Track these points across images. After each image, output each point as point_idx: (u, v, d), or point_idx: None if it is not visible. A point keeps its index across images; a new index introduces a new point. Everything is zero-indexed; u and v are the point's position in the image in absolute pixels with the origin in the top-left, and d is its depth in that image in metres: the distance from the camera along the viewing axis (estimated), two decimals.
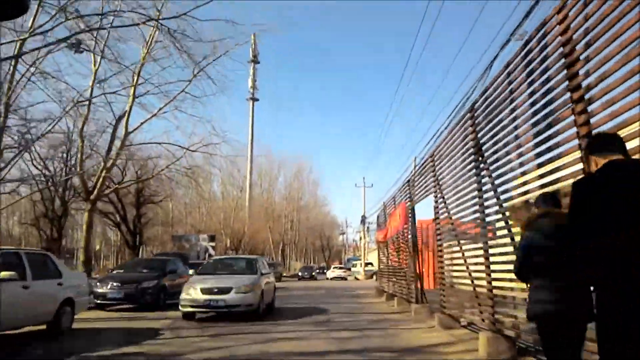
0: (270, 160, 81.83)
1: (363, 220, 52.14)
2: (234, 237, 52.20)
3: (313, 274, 47.48)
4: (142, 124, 25.95)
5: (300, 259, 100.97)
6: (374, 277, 47.29)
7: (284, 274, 61.44)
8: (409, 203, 14.23)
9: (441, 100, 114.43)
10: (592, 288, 3.23)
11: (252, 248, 57.50)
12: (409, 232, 14.05)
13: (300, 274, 48.09)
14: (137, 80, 22.47)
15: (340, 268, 55.23)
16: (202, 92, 29.37)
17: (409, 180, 14.84)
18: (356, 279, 53.24)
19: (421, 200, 13.43)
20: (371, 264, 56.18)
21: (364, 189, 52.11)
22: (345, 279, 50.88)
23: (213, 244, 45.64)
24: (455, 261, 10.53)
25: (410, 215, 13.98)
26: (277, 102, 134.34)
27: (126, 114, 24.28)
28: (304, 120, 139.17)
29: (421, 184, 13.19)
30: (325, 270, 63.77)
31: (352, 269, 58.40)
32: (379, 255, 25.27)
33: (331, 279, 49.14)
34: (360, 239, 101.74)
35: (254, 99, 76.64)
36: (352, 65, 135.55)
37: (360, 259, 62.71)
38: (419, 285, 13.76)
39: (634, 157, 3.54)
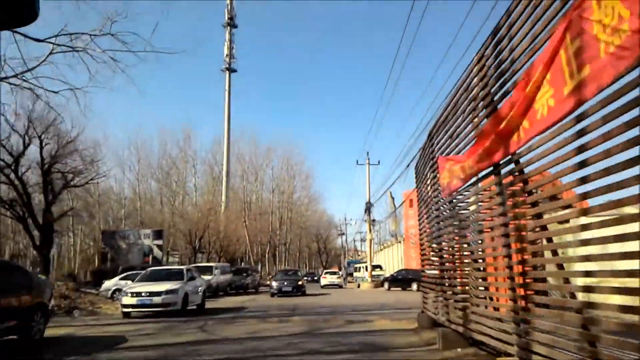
0: (255, 148, 69.00)
1: (368, 208, 39.43)
2: (210, 237, 39.54)
3: (300, 283, 26.31)
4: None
5: (294, 264, 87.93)
6: (385, 285, 34.56)
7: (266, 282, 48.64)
8: None
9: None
10: None
11: (226, 251, 44.84)
12: None
13: (275, 285, 26.12)
14: None
15: (333, 273, 44.66)
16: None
17: None
18: (359, 287, 40.55)
19: None
20: (379, 267, 43.30)
21: (367, 168, 39.52)
22: (341, 287, 41.77)
23: (160, 241, 32.94)
24: None
25: None
26: (262, 81, 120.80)
27: None
28: (293, 104, 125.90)
29: None
30: (315, 277, 51.37)
31: (355, 274, 45.54)
32: (421, 242, 12.64)
33: (323, 286, 40.49)
34: (364, 241, 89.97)
35: (231, 70, 63.73)
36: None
37: (364, 261, 49.89)
38: None
39: None
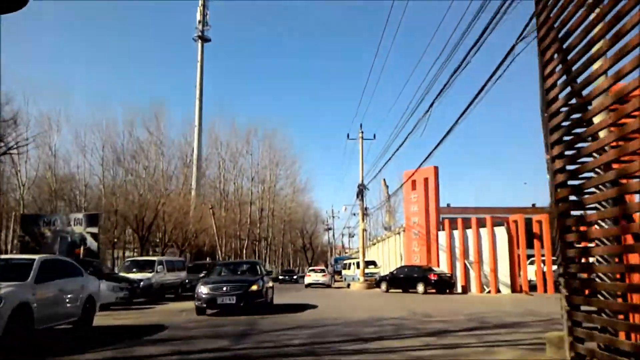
0: (235, 133, 61.63)
1: (361, 191, 32.46)
2: (167, 226, 32.33)
3: (255, 289, 13.73)
4: None
5: (277, 262, 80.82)
6: (382, 285, 27.71)
7: None
8: None
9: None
10: None
11: (194, 244, 37.67)
12: None
13: (205, 293, 13.53)
14: None
15: (320, 271, 38.91)
16: None
17: None
18: (349, 287, 33.69)
19: None
20: (374, 263, 36.38)
21: (360, 143, 32.59)
22: (329, 286, 36.38)
23: (95, 229, 25.64)
24: None
25: None
26: (242, 55, 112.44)
27: None
28: (276, 83, 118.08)
29: None
30: (294, 277, 44.58)
31: (344, 272, 38.62)
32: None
33: (307, 286, 36.05)
34: (353, 236, 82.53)
35: (204, 38, 56.30)
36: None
37: (354, 257, 43.00)
38: None
39: None
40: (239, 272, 15.55)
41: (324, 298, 21.90)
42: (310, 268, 47.64)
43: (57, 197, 45.74)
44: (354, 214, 52.62)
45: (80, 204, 42.68)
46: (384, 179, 49.91)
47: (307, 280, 37.65)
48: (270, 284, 15.61)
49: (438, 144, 18.23)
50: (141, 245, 27.48)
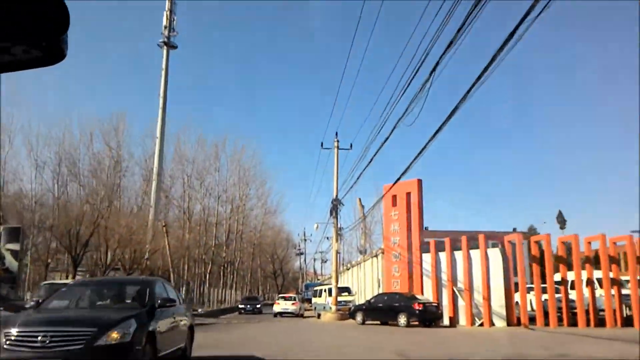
0: (202, 149, 57.49)
1: (335, 207, 28.74)
2: (109, 244, 28.07)
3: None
4: None
5: (245, 288, 76.07)
6: (358, 316, 24.06)
7: (199, 310, 37.12)
8: None
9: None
10: None
11: (146, 267, 33.39)
12: None
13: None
14: None
15: (290, 299, 36.59)
16: None
17: None
18: (319, 317, 29.85)
19: None
20: (347, 290, 32.63)
21: (336, 152, 29.00)
22: (300, 316, 33.94)
23: (15, 245, 21.34)
24: None
25: None
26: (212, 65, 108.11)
27: None
28: (247, 96, 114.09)
29: None
30: (258, 306, 40.01)
31: (314, 300, 34.72)
32: None
33: (276, 315, 34.24)
34: (325, 261, 78.22)
35: (169, 45, 52.59)
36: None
37: (326, 283, 39.14)
38: None
39: None
40: (107, 300, 8.82)
41: (284, 335, 18.01)
42: (280, 295, 43.89)
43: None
44: (327, 238, 48.96)
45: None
46: (359, 199, 46.65)
47: (276, 308, 35.42)
48: (184, 321, 9.49)
49: (419, 153, 15.32)
50: (74, 266, 23.11)
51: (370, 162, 21.35)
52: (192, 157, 56.67)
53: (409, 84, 12.42)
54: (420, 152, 16.06)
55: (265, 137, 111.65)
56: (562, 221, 70.56)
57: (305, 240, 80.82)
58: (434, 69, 10.96)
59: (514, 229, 39.21)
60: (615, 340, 14.27)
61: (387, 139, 16.26)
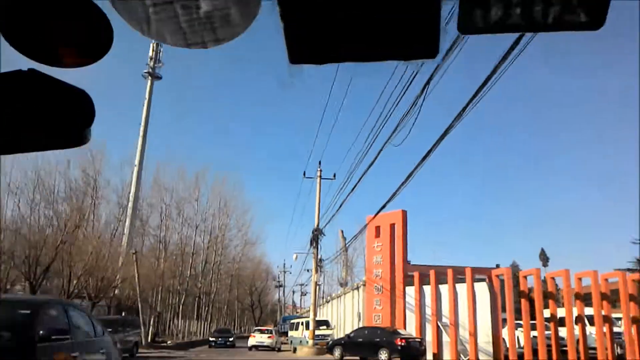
0: (182, 179, 56.10)
1: (316, 237, 27.57)
2: (93, 278, 26.44)
3: None
4: None
5: (220, 320, 73.55)
6: (336, 352, 22.76)
7: (169, 342, 35.32)
8: None
9: None
10: None
11: (114, 296, 31.72)
12: None
13: None
14: None
15: (266, 332, 35.27)
16: None
17: None
18: (295, 352, 28.38)
19: None
20: (326, 323, 31.21)
21: (318, 182, 28.06)
22: (275, 349, 33.13)
23: None
24: None
25: None
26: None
27: None
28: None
29: None
30: (230, 339, 37.87)
31: (290, 333, 33.19)
32: None
33: (251, 348, 33.53)
34: (305, 294, 76.04)
35: (154, 76, 51.79)
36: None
37: (304, 316, 37.57)
38: None
39: None
40: None
41: None
42: (256, 328, 42.27)
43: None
44: (308, 270, 47.52)
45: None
46: (342, 230, 45.47)
47: (251, 341, 34.34)
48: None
49: (402, 184, 14.65)
50: (32, 293, 21.40)
51: (354, 188, 20.45)
52: (172, 186, 55.29)
53: (401, 97, 11.63)
54: (407, 179, 15.27)
55: (246, 169, 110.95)
56: (544, 258, 70.29)
57: (285, 272, 79.10)
58: (427, 82, 10.18)
59: (497, 265, 38.37)
60: None
61: (373, 161, 15.44)
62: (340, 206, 23.77)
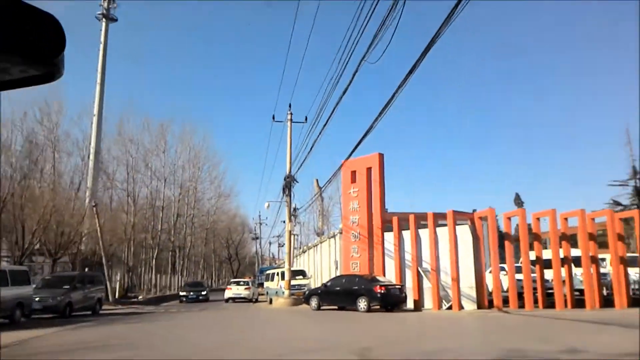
0: (148, 131, 53.31)
1: (288, 184, 26.03)
2: (52, 233, 24.50)
3: None
4: None
5: (197, 274, 72.63)
6: (312, 301, 21.71)
7: (139, 297, 34.03)
8: None
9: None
10: None
11: (78, 251, 29.94)
12: None
13: None
14: None
15: (243, 284, 35.02)
16: None
17: None
18: (271, 303, 27.38)
19: None
20: (302, 273, 30.18)
21: (289, 125, 26.27)
22: (252, 301, 33.01)
23: None
24: None
25: None
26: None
27: None
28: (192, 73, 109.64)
29: None
30: (204, 292, 36.44)
31: (266, 284, 32.17)
32: None
33: (227, 300, 33.01)
34: (282, 246, 74.80)
35: (109, 18, 48.26)
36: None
37: (280, 267, 36.54)
38: None
39: None
40: None
41: (219, 329, 15.32)
42: (232, 280, 41.30)
43: None
44: (283, 221, 46.30)
45: None
46: (317, 179, 44.11)
47: (227, 294, 33.91)
48: None
49: (375, 121, 13.13)
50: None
51: (327, 121, 18.74)
52: (137, 138, 52.60)
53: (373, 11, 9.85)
54: (381, 113, 13.66)
55: (216, 118, 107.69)
56: (519, 203, 70.29)
57: (260, 224, 77.95)
58: None
59: (474, 210, 37.60)
60: (611, 325, 12.31)
61: (349, 84, 13.73)
62: (312, 148, 22.09)
